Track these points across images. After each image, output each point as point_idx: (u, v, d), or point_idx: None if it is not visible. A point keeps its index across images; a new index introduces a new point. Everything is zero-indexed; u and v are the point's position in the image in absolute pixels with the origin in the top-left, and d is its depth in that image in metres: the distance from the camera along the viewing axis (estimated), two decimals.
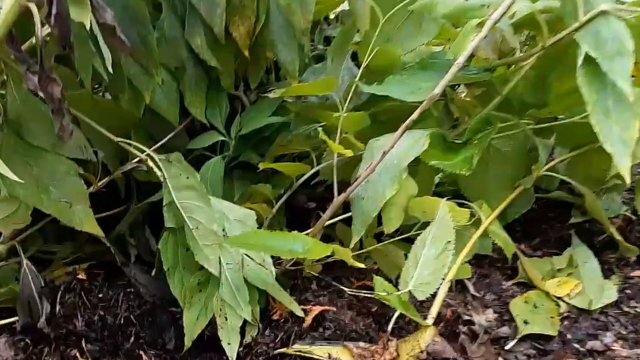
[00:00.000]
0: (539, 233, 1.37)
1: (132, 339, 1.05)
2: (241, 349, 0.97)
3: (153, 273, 1.13)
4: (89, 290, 1.08)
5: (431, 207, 1.02)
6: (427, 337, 0.86)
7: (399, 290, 0.91)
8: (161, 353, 1.05)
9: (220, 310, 0.99)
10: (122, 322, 1.05)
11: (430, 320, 0.97)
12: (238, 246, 0.88)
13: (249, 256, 1.00)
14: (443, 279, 0.84)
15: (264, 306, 1.02)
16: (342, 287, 1.07)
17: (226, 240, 0.95)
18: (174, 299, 1.03)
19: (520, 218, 1.33)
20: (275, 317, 1.00)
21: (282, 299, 0.98)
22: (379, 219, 1.04)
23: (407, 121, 0.94)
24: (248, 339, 0.98)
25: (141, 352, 1.04)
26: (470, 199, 1.24)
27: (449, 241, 0.86)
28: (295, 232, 0.96)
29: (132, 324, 1.06)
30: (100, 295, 1.08)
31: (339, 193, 1.03)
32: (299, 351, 0.93)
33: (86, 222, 1.01)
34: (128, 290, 1.11)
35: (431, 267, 0.86)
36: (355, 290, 0.90)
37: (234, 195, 1.22)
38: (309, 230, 1.09)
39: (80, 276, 1.10)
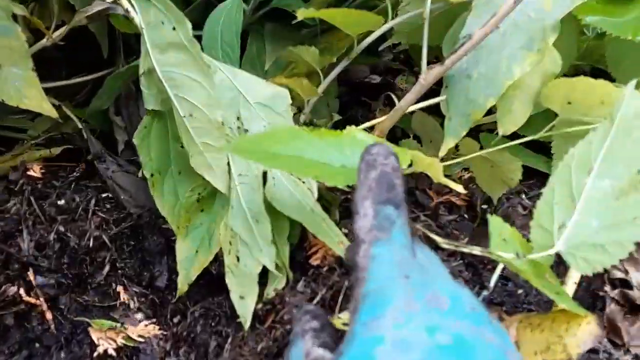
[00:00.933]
0: None
1: (106, 269, 0.72)
2: (260, 306, 0.63)
3: (141, 173, 0.77)
4: (43, 195, 0.74)
5: (585, 96, 0.60)
6: (584, 335, 0.48)
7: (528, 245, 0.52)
8: (148, 292, 0.72)
9: (231, 244, 0.63)
10: (91, 244, 0.71)
11: (571, 288, 0.59)
12: (250, 159, 0.49)
13: None
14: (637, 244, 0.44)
15: (296, 242, 0.66)
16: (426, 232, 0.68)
17: (227, 147, 0.57)
18: None
19: None
20: (314, 262, 0.63)
21: (326, 238, 0.60)
22: None
23: None
24: (270, 293, 0.63)
25: (119, 289, 0.71)
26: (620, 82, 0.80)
27: None
28: (354, 129, 0.56)
29: (106, 248, 0.72)
30: (61, 203, 0.73)
31: (430, 64, 0.62)
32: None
33: (27, 93, 0.66)
34: (103, 196, 0.76)
35: (609, 214, 0.46)
36: (453, 244, 0.52)
37: (263, 62, 0.81)
38: (374, 122, 0.69)
39: (32, 172, 0.75)
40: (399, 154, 0.57)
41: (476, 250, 0.56)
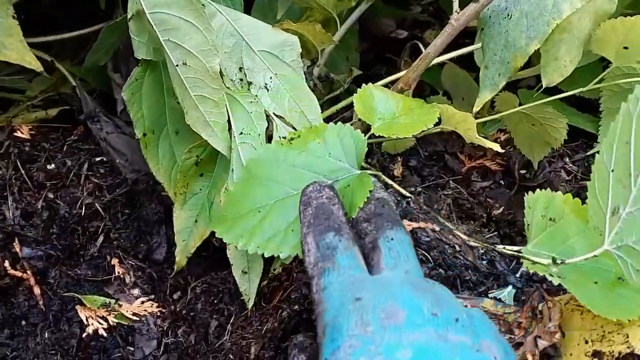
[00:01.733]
0: None
1: (100, 240, 0.65)
2: (265, 282, 0.56)
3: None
4: (31, 158, 0.67)
5: None
6: None
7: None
8: (145, 266, 0.65)
9: None
10: (82, 213, 0.65)
11: None
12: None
13: (281, 117, 0.54)
14: None
15: None
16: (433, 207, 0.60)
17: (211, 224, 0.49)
18: None
19: None
20: None
21: None
22: None
23: None
24: (277, 268, 0.55)
25: (113, 262, 0.65)
26: None
27: None
28: (371, 87, 0.48)
29: (100, 217, 0.66)
30: (50, 167, 0.67)
31: (462, 7, 0.53)
32: None
33: (7, 42, 0.59)
34: (97, 160, 0.69)
35: None
36: (478, 242, 0.44)
37: (275, 11, 0.73)
38: (398, 75, 0.61)
39: (20, 133, 0.68)
40: (430, 116, 0.50)
41: (507, 250, 0.48)
